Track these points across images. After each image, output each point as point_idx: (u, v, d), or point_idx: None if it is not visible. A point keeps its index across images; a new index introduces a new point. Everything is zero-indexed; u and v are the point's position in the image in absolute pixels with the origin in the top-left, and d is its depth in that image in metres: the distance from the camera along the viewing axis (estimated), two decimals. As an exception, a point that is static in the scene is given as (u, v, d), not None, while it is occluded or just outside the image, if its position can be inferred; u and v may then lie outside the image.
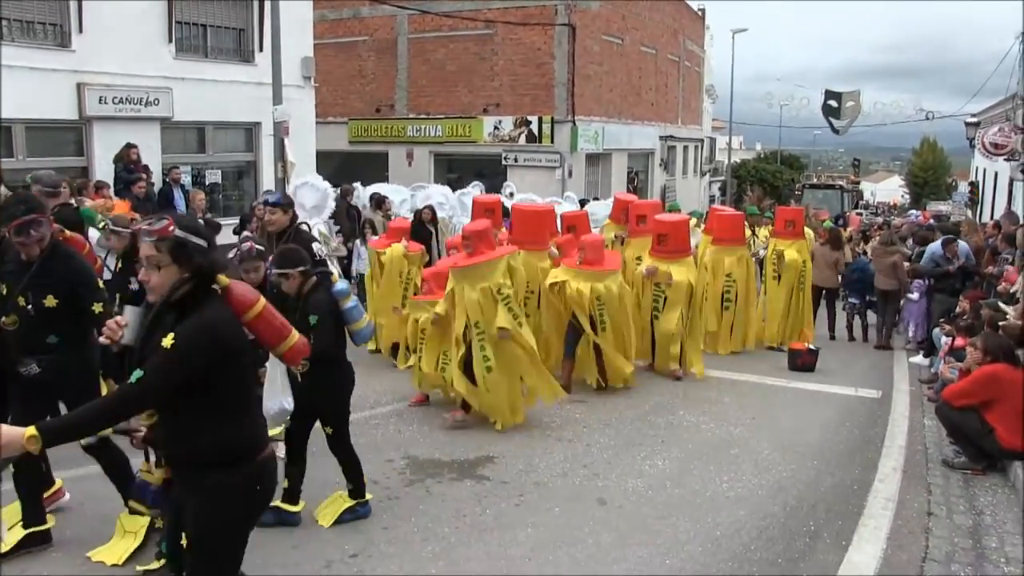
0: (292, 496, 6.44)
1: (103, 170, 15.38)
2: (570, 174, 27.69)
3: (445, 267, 9.51)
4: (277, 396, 6.07)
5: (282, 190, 15.83)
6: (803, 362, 12.68)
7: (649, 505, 7.03)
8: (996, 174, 30.30)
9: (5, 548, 5.56)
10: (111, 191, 14.07)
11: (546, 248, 11.52)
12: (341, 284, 6.50)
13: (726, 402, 10.65)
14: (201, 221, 5.64)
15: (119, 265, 7.75)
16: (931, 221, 25.98)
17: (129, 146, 15.22)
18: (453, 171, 29.67)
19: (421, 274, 10.84)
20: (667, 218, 12.57)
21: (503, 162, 28.18)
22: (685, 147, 41.57)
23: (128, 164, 15.02)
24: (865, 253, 18.02)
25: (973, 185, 36.20)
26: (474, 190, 18.47)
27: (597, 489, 7.37)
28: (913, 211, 53.65)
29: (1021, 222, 15.04)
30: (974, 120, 31.64)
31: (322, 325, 6.15)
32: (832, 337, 15.70)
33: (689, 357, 11.88)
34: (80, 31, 15.41)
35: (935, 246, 14.63)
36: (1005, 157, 24.48)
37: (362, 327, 6.56)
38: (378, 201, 16.80)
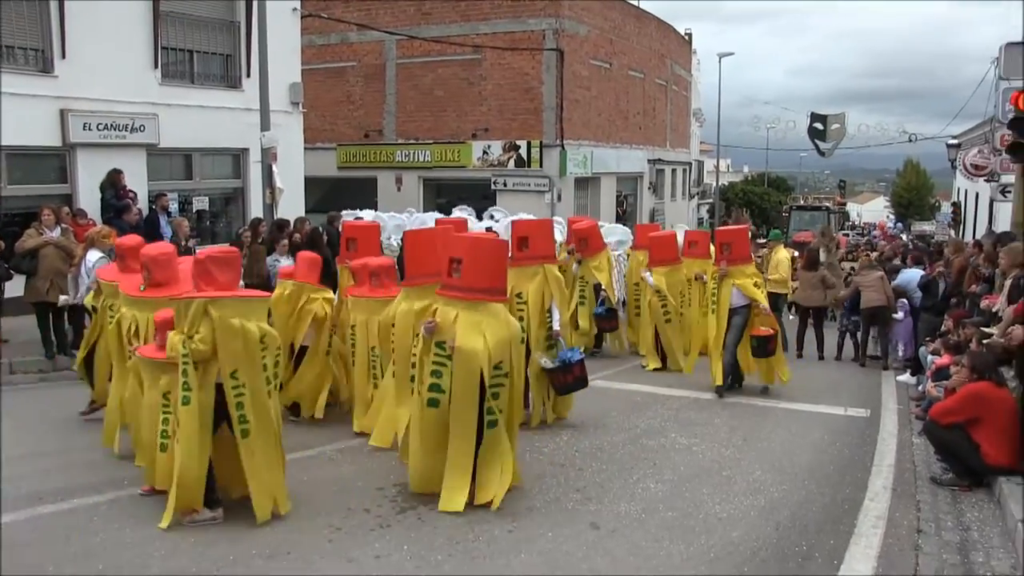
0: None
1: (87, 197, 15.34)
2: (559, 198, 27.75)
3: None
4: None
5: (271, 215, 15.87)
6: (773, 347, 12.09)
7: (642, 529, 7.02)
8: (977, 194, 30.71)
9: None
10: (87, 218, 13.99)
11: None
12: None
13: (717, 424, 10.67)
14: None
15: None
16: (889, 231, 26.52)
17: (116, 171, 15.16)
18: (442, 196, 29.70)
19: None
20: (463, 235, 9.10)
21: (492, 187, 28.20)
22: (673, 170, 41.73)
23: (118, 190, 14.96)
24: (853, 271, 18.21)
25: (956, 205, 36.57)
26: (461, 214, 18.46)
27: (590, 513, 7.35)
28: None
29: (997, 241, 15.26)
30: (955, 142, 32.11)
31: None
32: (820, 357, 15.78)
33: (480, 473, 7.48)
34: (63, 56, 15.34)
35: (911, 273, 15.06)
36: (985, 178, 24.82)
37: None
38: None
